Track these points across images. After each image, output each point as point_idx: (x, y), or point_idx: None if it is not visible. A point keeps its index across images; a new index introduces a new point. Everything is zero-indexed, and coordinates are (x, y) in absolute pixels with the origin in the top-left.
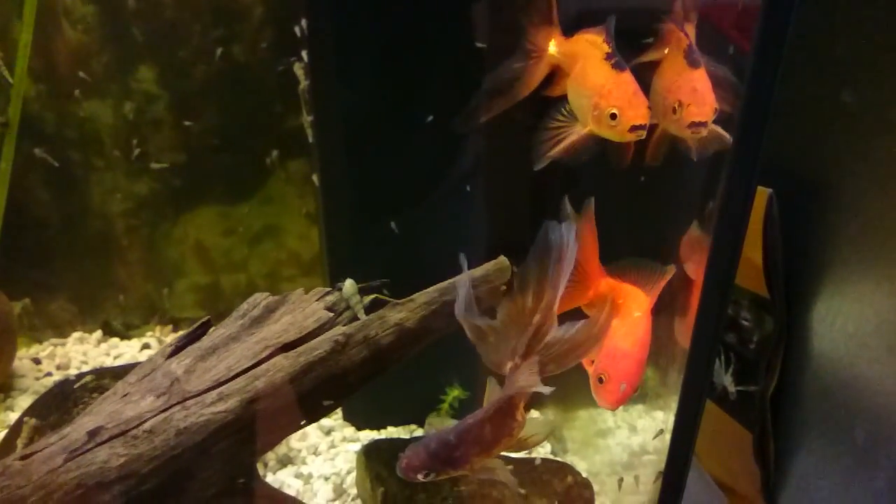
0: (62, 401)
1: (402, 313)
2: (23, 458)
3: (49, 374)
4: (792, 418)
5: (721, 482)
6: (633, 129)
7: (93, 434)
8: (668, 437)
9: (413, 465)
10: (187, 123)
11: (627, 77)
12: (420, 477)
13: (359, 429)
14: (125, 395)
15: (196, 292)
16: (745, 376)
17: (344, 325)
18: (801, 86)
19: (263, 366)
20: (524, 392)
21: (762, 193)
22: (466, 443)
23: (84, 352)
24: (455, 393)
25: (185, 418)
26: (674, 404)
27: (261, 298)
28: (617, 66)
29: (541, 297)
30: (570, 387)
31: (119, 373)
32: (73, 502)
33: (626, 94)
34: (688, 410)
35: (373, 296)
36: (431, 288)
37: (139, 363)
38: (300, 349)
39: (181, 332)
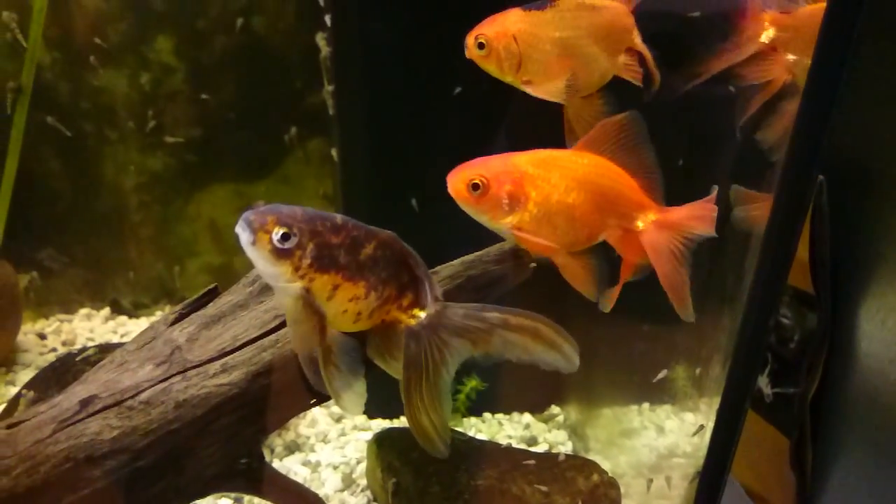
0: (63, 374)
1: None
2: (9, 426)
3: (54, 350)
4: (833, 424)
5: (752, 491)
6: None
7: (85, 403)
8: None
9: (280, 213)
10: (204, 97)
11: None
12: (275, 237)
13: (370, 417)
14: (122, 364)
15: (208, 272)
16: (783, 378)
17: None
18: (858, 61)
19: (272, 336)
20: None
21: None
22: (350, 238)
23: (91, 329)
24: (472, 384)
25: (185, 390)
26: (704, 406)
27: None
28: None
29: None
30: (593, 384)
31: None
32: (62, 476)
33: None
34: (731, 409)
35: None
36: (456, 261)
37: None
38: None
39: (186, 300)
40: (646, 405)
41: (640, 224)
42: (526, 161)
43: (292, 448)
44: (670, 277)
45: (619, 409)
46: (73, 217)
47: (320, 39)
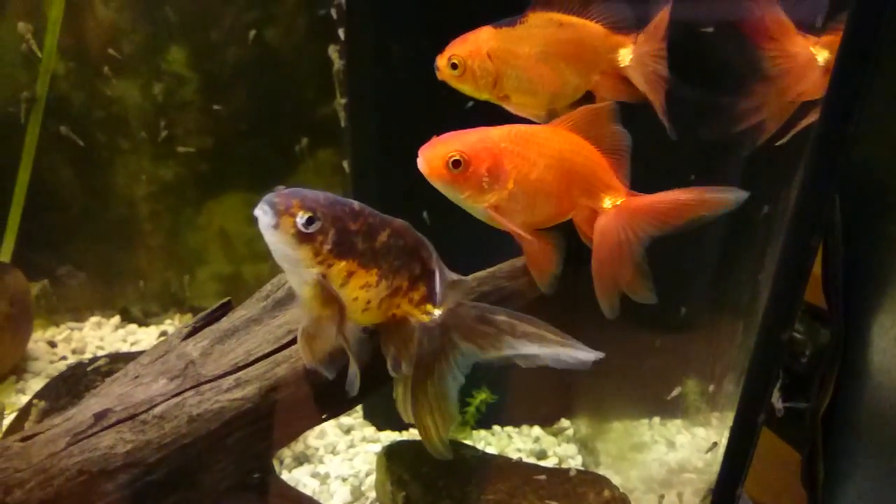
0: (74, 384)
1: None
2: (23, 439)
3: (64, 358)
4: (845, 439)
5: None
6: None
7: (99, 417)
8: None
9: (305, 197)
10: (216, 107)
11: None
12: (299, 221)
13: (379, 429)
14: (136, 377)
15: (217, 281)
16: (794, 392)
17: None
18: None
19: (286, 351)
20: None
21: None
22: (367, 225)
23: (101, 337)
24: (482, 396)
25: (198, 404)
26: (715, 421)
27: (286, 279)
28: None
29: None
30: (603, 397)
31: (134, 358)
32: (75, 490)
33: None
34: (745, 427)
35: None
36: (468, 277)
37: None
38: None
39: (200, 314)
40: (656, 419)
41: (605, 204)
42: (503, 136)
43: (301, 459)
44: (604, 267)
45: (630, 423)
46: (85, 225)
47: (333, 52)
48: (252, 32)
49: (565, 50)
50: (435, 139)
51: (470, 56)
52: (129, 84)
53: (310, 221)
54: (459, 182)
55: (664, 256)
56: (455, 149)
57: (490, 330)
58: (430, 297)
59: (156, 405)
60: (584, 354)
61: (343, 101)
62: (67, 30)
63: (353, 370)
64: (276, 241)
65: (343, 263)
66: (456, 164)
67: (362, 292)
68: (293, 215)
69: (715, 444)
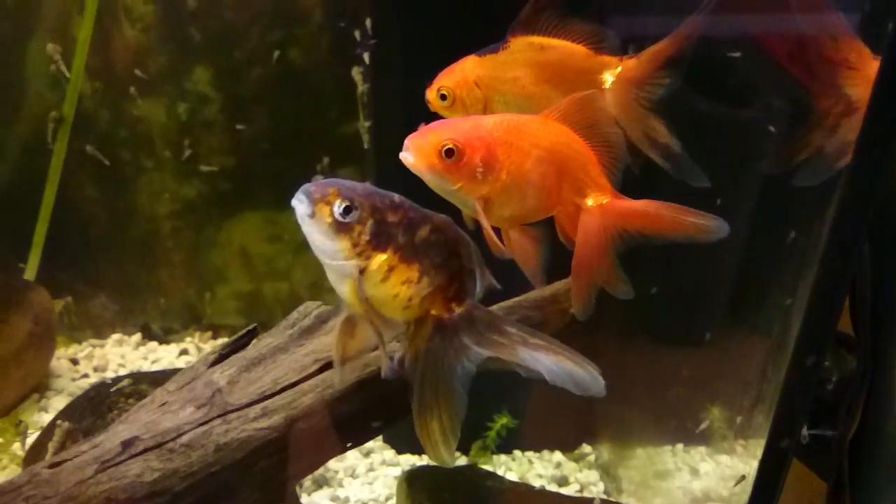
0: (97, 405)
1: None
2: (52, 465)
3: (86, 376)
4: (872, 467)
5: None
6: None
7: (127, 445)
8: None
9: (342, 186)
10: (239, 127)
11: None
12: (336, 210)
13: (399, 452)
14: (163, 405)
15: (237, 299)
16: (820, 420)
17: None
18: None
19: (312, 380)
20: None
21: None
22: (407, 218)
23: (122, 354)
24: (503, 421)
25: (225, 433)
26: (740, 448)
27: (312, 307)
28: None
29: None
30: (625, 423)
31: (157, 378)
32: None
33: None
34: (774, 457)
35: None
36: (494, 306)
37: (178, 370)
38: (352, 364)
39: (224, 340)
40: (679, 446)
41: (590, 202)
42: (496, 125)
43: (321, 482)
44: (583, 266)
45: (653, 450)
46: (108, 243)
47: (356, 74)
48: (276, 53)
49: (549, 72)
50: (423, 128)
51: (457, 86)
52: (153, 103)
53: (347, 210)
54: (452, 172)
55: (692, 282)
56: (448, 137)
57: (502, 340)
58: (458, 296)
59: (183, 433)
60: (590, 380)
61: (366, 123)
62: (95, 50)
63: (386, 359)
64: (313, 230)
65: (383, 256)
66: (449, 153)
67: (404, 288)
68: (329, 203)
69: (743, 477)
